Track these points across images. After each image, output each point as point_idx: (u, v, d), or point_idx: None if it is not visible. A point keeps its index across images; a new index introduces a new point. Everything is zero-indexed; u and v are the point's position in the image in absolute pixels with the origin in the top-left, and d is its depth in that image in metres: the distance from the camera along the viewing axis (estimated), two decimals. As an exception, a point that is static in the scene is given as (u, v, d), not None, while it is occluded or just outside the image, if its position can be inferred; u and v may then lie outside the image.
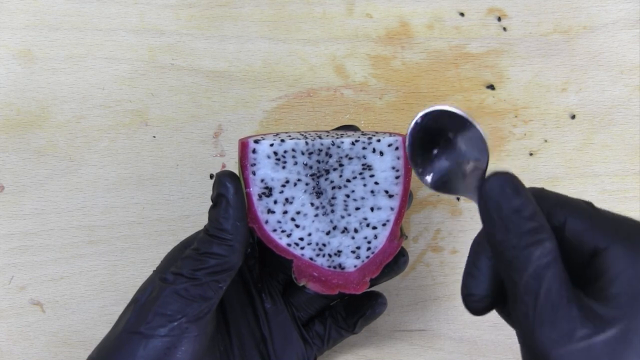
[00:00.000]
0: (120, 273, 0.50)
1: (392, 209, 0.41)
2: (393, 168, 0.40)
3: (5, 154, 0.50)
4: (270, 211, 0.39)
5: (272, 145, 0.39)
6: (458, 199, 0.52)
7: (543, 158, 0.53)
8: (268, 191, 0.39)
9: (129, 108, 0.52)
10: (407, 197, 0.41)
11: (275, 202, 0.39)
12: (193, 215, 0.51)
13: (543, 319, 0.27)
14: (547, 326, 0.27)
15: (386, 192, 0.41)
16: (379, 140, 0.40)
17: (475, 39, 0.54)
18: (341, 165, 0.40)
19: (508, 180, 0.31)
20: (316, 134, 0.41)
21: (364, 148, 0.40)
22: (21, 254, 0.49)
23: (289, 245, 0.40)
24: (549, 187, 0.53)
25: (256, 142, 0.39)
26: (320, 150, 0.40)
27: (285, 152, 0.39)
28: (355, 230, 0.41)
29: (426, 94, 0.53)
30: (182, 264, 0.38)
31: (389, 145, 0.40)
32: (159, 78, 0.52)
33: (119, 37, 0.52)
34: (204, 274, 0.37)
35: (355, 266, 0.41)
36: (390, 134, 0.41)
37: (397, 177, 0.41)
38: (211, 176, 0.51)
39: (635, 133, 0.54)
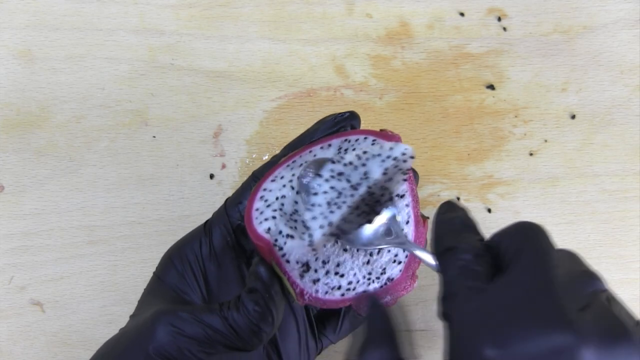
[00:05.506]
0: (120, 273, 0.50)
1: (407, 205, 0.41)
2: None
3: (5, 154, 0.50)
4: (315, 281, 0.39)
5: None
6: (458, 198, 0.52)
7: (543, 158, 0.53)
8: (306, 267, 0.38)
9: (129, 108, 0.52)
10: (415, 188, 0.42)
11: (316, 270, 0.39)
12: (193, 215, 0.51)
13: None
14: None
15: (397, 195, 0.41)
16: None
17: (475, 39, 0.54)
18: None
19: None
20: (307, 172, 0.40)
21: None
22: (21, 254, 0.49)
23: (343, 295, 0.40)
24: (549, 187, 0.53)
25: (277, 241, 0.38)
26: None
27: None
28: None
29: (426, 94, 0.53)
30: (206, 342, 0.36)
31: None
32: (159, 78, 0.52)
33: (119, 37, 0.52)
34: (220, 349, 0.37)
35: (400, 271, 0.42)
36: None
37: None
38: (211, 176, 0.51)
39: (635, 133, 0.54)
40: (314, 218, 0.36)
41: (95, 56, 0.52)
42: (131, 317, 0.40)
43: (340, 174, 0.37)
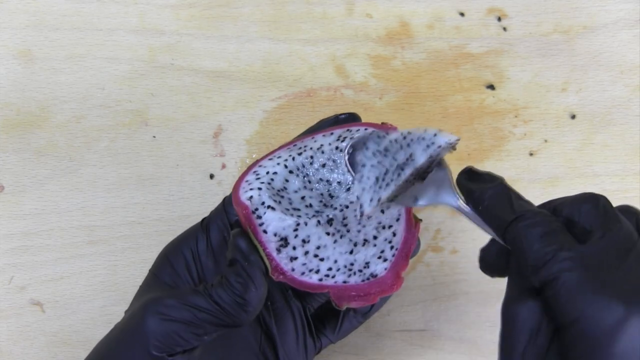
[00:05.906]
0: (120, 273, 0.50)
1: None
2: None
3: (5, 154, 0.50)
4: (292, 258, 0.39)
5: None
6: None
7: (543, 158, 0.53)
8: (284, 242, 0.38)
9: (129, 108, 0.52)
10: None
11: (294, 247, 0.38)
12: (193, 215, 0.51)
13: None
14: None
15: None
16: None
17: (475, 39, 0.54)
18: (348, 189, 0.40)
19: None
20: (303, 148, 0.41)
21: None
22: (21, 254, 0.49)
23: (320, 280, 0.39)
24: (549, 187, 0.53)
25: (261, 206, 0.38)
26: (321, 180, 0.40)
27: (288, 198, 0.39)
28: (375, 237, 0.40)
29: (426, 94, 0.53)
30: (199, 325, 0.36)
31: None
32: (159, 78, 0.52)
33: (119, 37, 0.52)
34: (211, 332, 0.37)
35: (385, 269, 0.41)
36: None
37: None
38: (211, 176, 0.51)
39: (635, 133, 0.54)
40: (363, 189, 0.38)
41: (95, 56, 0.52)
42: (125, 312, 0.40)
43: (386, 149, 0.38)
